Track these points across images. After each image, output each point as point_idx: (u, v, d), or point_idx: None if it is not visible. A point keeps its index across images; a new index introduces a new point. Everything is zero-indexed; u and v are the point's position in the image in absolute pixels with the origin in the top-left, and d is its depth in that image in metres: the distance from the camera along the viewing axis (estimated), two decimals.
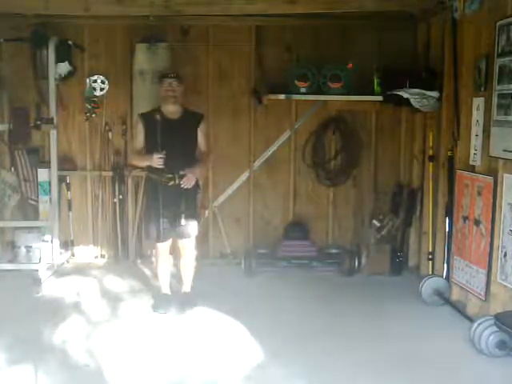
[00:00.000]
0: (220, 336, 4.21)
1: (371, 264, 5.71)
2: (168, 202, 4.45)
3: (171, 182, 4.46)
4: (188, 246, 4.69)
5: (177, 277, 4.88)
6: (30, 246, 5.65)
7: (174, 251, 4.89)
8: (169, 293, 4.76)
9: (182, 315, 4.55)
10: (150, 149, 4.51)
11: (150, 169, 4.60)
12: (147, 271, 5.69)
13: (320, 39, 5.79)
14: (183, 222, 4.49)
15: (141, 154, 4.62)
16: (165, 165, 4.40)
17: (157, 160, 4.38)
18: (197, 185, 4.68)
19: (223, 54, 5.83)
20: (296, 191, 6.05)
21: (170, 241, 4.68)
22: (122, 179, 5.91)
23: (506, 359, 3.79)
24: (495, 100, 4.15)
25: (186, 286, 4.77)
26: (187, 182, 4.45)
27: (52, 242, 5.57)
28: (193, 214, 4.62)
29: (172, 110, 4.56)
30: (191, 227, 4.62)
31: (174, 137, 4.46)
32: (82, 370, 3.65)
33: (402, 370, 3.67)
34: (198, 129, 4.62)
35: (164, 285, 4.77)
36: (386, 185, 6.00)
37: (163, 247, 4.67)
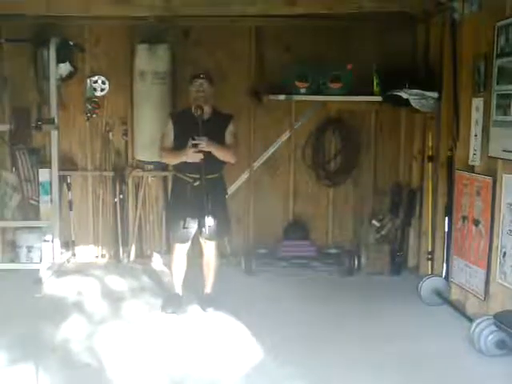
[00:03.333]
0: (220, 335, 4.23)
1: (371, 264, 5.72)
2: (193, 202, 4.43)
3: (197, 183, 4.45)
4: (210, 247, 4.68)
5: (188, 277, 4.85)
6: (31, 246, 5.67)
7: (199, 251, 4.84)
8: (180, 293, 4.74)
9: (203, 314, 4.55)
10: (178, 149, 4.49)
11: (176, 169, 4.62)
12: (148, 271, 5.71)
13: (320, 40, 5.79)
14: (208, 222, 4.40)
15: (174, 151, 4.53)
16: (189, 165, 4.41)
17: (192, 155, 4.33)
18: (224, 188, 4.70)
19: (223, 55, 5.83)
20: (296, 191, 6.07)
21: (189, 243, 4.67)
22: (122, 179, 5.93)
23: (505, 358, 3.80)
24: (494, 100, 4.16)
25: (208, 287, 4.75)
26: (203, 144, 4.32)
27: (53, 241, 5.57)
28: (219, 216, 4.53)
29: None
30: (216, 228, 4.54)
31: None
32: (84, 370, 3.66)
33: (402, 369, 3.68)
34: (227, 130, 4.57)
35: (176, 285, 4.74)
36: (386, 185, 6.01)
37: (182, 248, 4.66)
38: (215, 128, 4.52)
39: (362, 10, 5.02)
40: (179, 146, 4.49)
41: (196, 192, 4.44)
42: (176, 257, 4.70)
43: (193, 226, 4.53)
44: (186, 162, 4.47)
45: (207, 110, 4.53)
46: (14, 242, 5.78)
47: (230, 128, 4.61)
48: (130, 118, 5.79)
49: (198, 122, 4.39)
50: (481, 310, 4.29)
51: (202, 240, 4.68)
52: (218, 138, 4.50)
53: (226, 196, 4.81)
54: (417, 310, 4.75)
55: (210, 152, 4.40)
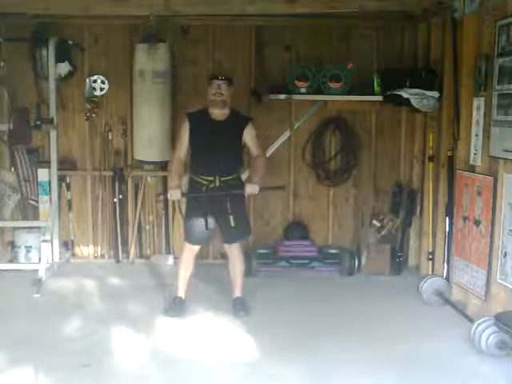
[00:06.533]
0: (220, 336, 4.22)
1: (371, 264, 5.71)
2: (209, 205, 4.41)
3: (211, 185, 4.43)
4: (233, 251, 4.63)
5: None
6: (30, 246, 5.66)
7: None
8: (183, 297, 4.65)
9: (237, 320, 4.47)
10: (194, 150, 4.51)
11: (192, 171, 4.57)
12: (147, 271, 5.70)
13: (320, 39, 5.79)
14: (233, 223, 4.38)
15: (174, 172, 4.56)
16: (203, 167, 4.42)
17: (173, 193, 4.47)
18: (242, 189, 4.53)
19: (223, 54, 5.82)
20: (296, 191, 6.05)
21: (199, 246, 4.64)
22: (122, 179, 5.91)
23: (506, 359, 3.79)
24: (495, 100, 4.15)
25: (237, 291, 4.69)
26: (251, 191, 4.43)
27: (52, 241, 5.57)
28: (238, 218, 4.50)
29: (219, 112, 4.48)
30: (237, 232, 4.53)
31: (219, 139, 4.41)
32: (82, 370, 3.64)
33: (402, 369, 3.67)
34: (245, 132, 4.51)
35: (180, 288, 4.66)
36: (386, 185, 6.00)
37: (191, 250, 4.60)
38: (232, 130, 4.50)
39: (362, 9, 5.01)
40: (194, 147, 4.49)
41: (209, 194, 4.41)
42: (184, 259, 4.63)
43: (206, 230, 4.48)
44: (200, 164, 4.48)
45: (225, 111, 4.51)
46: (13, 242, 5.76)
47: (249, 130, 4.53)
48: (130, 117, 5.78)
49: (209, 124, 4.41)
50: (482, 311, 4.27)
51: (224, 244, 4.66)
52: (234, 140, 4.50)
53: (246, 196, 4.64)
54: (417, 311, 4.73)
55: (225, 152, 4.42)
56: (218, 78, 4.48)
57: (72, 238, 5.99)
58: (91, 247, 6.03)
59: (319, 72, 5.56)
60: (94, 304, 4.81)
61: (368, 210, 5.98)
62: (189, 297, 4.69)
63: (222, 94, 4.44)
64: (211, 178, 4.43)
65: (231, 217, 4.39)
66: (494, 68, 4.17)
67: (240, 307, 4.60)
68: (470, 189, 4.51)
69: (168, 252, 5.99)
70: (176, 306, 4.59)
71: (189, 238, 4.61)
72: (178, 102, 5.63)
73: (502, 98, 4.08)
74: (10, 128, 5.44)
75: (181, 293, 4.67)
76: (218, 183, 4.43)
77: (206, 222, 4.43)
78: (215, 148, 4.40)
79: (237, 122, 4.56)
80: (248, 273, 5.53)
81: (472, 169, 4.52)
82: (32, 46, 5.60)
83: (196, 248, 4.63)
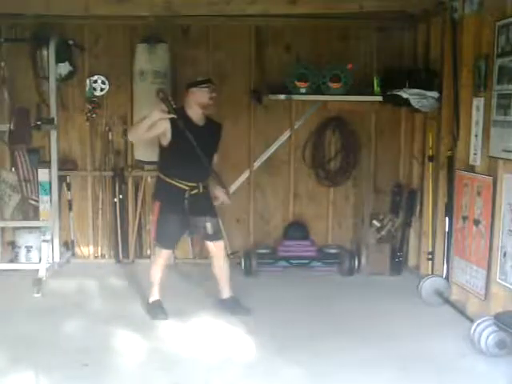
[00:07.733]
0: (219, 336, 4.22)
1: (371, 264, 5.71)
2: (191, 210, 4.41)
3: (194, 191, 4.42)
4: (220, 248, 4.63)
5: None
6: (31, 246, 5.66)
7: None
8: (160, 299, 4.61)
9: (236, 319, 4.45)
10: (175, 152, 4.39)
11: (171, 174, 4.44)
12: (147, 271, 5.69)
13: (320, 39, 5.81)
14: (210, 230, 4.45)
15: (141, 120, 4.36)
16: (188, 172, 4.38)
17: (160, 113, 4.29)
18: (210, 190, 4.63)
19: (223, 54, 5.83)
20: (296, 191, 6.06)
21: (171, 250, 4.72)
22: (122, 179, 5.92)
23: (505, 359, 3.78)
24: (495, 100, 4.16)
25: (228, 291, 4.67)
26: (226, 200, 4.63)
27: (52, 241, 5.57)
28: (216, 219, 4.61)
29: (199, 116, 4.46)
30: (219, 230, 4.65)
31: (202, 144, 4.35)
32: (82, 370, 3.64)
33: (402, 369, 3.67)
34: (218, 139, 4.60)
35: (157, 291, 4.61)
36: (386, 185, 6.01)
37: (169, 254, 4.68)
38: (212, 136, 4.53)
39: (362, 9, 5.00)
40: (178, 151, 4.37)
41: (192, 200, 4.41)
42: (163, 263, 4.60)
43: (180, 233, 4.63)
44: (183, 168, 4.39)
45: (203, 116, 4.50)
46: (14, 242, 5.77)
47: (220, 137, 4.64)
48: (130, 117, 5.78)
49: (190, 128, 4.34)
50: (481, 310, 4.28)
51: (209, 244, 4.62)
52: (212, 146, 4.54)
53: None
54: (417, 310, 4.73)
55: (207, 157, 4.40)
56: (211, 81, 4.50)
57: (72, 237, 6.00)
58: (91, 247, 6.04)
59: (319, 72, 5.57)
60: (94, 304, 4.81)
61: (368, 210, 5.99)
62: (189, 297, 4.70)
63: (214, 98, 4.47)
64: (194, 184, 4.42)
65: (209, 224, 4.45)
66: (493, 68, 4.17)
67: (236, 305, 4.61)
68: (470, 189, 4.51)
69: None
70: (161, 309, 4.53)
71: (163, 243, 4.58)
72: (177, 101, 5.61)
73: (502, 98, 4.08)
74: (11, 128, 5.44)
75: (159, 295, 4.61)
76: (201, 189, 4.45)
77: (179, 232, 4.55)
78: (199, 153, 4.33)
79: (214, 127, 4.58)
80: (248, 273, 5.57)
81: (471, 169, 4.53)
82: (32, 46, 5.61)
83: (170, 252, 4.70)
